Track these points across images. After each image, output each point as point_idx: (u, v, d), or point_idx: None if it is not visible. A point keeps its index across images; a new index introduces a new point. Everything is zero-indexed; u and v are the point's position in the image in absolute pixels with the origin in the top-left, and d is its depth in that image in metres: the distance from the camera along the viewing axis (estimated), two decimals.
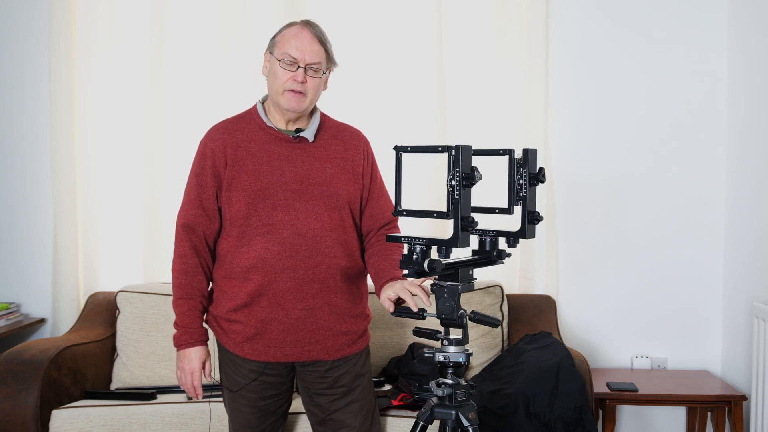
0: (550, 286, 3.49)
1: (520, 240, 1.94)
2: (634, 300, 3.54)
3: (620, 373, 3.41)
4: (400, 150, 1.79)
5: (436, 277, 1.87)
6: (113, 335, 3.27)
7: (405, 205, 1.82)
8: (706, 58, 3.50)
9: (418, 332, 1.97)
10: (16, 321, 3.44)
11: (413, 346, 3.12)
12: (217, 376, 2.38)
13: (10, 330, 3.32)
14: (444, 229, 3.26)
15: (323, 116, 2.33)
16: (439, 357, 1.92)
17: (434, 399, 1.95)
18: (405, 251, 1.82)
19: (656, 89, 3.51)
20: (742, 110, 3.36)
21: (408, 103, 3.48)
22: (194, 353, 2.23)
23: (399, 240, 1.85)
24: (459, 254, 1.89)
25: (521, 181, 1.89)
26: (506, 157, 1.87)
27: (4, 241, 3.59)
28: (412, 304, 1.99)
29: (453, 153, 1.72)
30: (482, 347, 3.18)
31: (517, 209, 1.91)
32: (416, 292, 2.01)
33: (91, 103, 3.52)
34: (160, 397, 2.95)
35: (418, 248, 1.79)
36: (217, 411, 2.57)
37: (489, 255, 1.95)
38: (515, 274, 3.53)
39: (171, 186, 3.41)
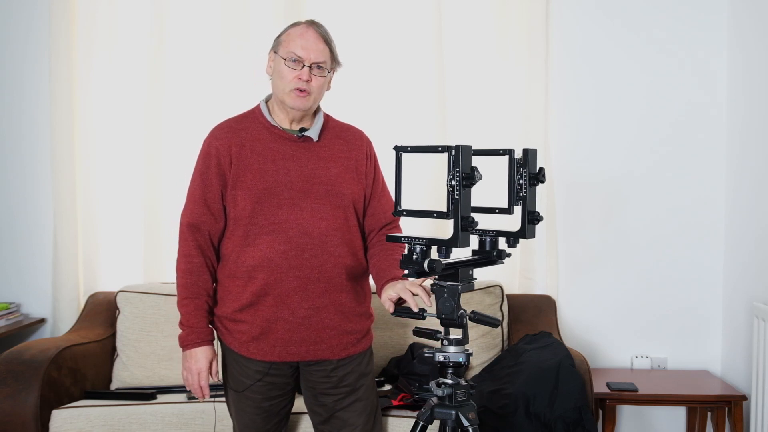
0: (550, 286, 3.50)
1: (520, 240, 1.93)
2: (634, 300, 3.54)
3: (620, 373, 3.41)
4: (400, 150, 1.79)
5: (436, 277, 1.86)
6: (113, 335, 3.27)
7: (405, 205, 1.81)
8: (706, 58, 3.50)
9: (418, 332, 1.97)
10: (16, 321, 3.44)
11: (413, 346, 3.12)
12: (221, 377, 2.38)
13: (10, 330, 3.32)
14: (444, 229, 3.26)
15: (326, 116, 2.33)
16: (439, 357, 1.92)
17: (434, 399, 1.95)
18: (405, 251, 1.82)
19: (656, 89, 3.51)
20: (742, 110, 3.36)
21: (408, 103, 3.48)
22: (201, 353, 2.21)
23: (399, 240, 1.85)
24: (459, 254, 1.89)
25: (521, 181, 1.89)
26: (506, 157, 1.86)
27: (4, 241, 3.59)
28: (413, 304, 1.99)
29: (453, 153, 1.72)
30: (482, 347, 3.18)
31: (517, 209, 1.90)
32: (417, 291, 2.01)
33: (91, 103, 3.52)
34: (160, 397, 2.95)
35: (418, 248, 1.79)
36: (219, 411, 2.57)
37: (489, 255, 1.95)
38: (515, 274, 3.53)
39: (171, 186, 3.41)
